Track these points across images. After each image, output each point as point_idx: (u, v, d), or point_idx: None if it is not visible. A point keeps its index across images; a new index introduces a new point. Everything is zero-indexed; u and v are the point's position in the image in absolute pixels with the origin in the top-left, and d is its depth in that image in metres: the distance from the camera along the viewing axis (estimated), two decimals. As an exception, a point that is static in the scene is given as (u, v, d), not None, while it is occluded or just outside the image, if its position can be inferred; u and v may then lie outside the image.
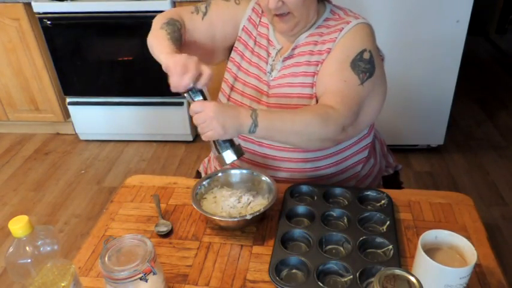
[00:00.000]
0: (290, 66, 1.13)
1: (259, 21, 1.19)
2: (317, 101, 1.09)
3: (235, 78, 1.20)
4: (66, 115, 2.87)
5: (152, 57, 2.41)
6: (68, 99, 2.74)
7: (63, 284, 0.75)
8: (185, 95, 0.94)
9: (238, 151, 0.95)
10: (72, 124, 2.87)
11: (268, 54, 1.17)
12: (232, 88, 1.20)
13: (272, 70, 1.15)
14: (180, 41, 1.09)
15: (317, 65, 1.09)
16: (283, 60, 1.14)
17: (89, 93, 2.70)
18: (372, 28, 1.11)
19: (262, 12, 1.18)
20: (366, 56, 1.05)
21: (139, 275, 0.74)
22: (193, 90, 0.94)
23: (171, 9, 1.21)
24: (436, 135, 2.51)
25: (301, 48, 1.12)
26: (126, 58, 2.54)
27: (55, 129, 3.00)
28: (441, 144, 2.56)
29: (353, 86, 1.03)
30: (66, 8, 2.40)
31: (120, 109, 2.72)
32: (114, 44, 2.53)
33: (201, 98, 0.94)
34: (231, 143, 0.94)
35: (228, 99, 1.21)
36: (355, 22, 1.07)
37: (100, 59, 2.57)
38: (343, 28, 1.07)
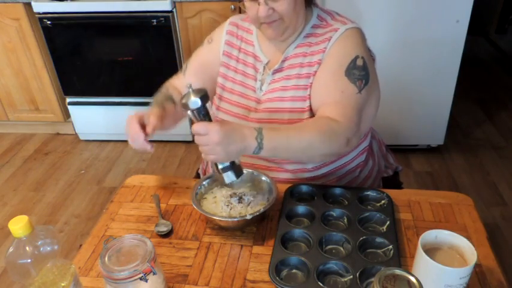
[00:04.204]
0: (280, 80, 1.11)
1: (242, 41, 1.18)
2: (311, 114, 1.07)
3: (220, 99, 1.20)
4: (66, 115, 2.87)
5: (152, 57, 2.46)
6: (68, 99, 2.74)
7: (63, 284, 0.75)
8: (188, 113, 0.90)
9: (239, 171, 0.94)
10: (72, 124, 2.87)
11: (256, 70, 1.15)
12: (218, 108, 1.20)
13: (262, 85, 1.14)
14: (163, 103, 1.13)
15: (308, 77, 1.08)
16: (273, 73, 1.12)
17: (89, 93, 2.70)
18: (361, 31, 1.09)
19: (238, 29, 1.18)
20: (360, 62, 1.03)
21: (139, 275, 0.74)
22: (198, 110, 0.88)
23: (166, 83, 1.27)
24: (436, 135, 2.51)
25: (291, 60, 1.11)
26: (126, 58, 2.54)
27: (55, 129, 3.00)
28: (441, 144, 2.56)
29: (351, 95, 1.02)
30: (66, 8, 2.40)
31: (120, 109, 2.72)
32: (114, 44, 2.53)
33: (205, 118, 0.90)
34: (232, 164, 0.92)
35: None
36: (343, 28, 1.06)
37: (100, 59, 2.57)
38: (331, 37, 1.06)
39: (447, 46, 2.19)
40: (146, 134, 1.03)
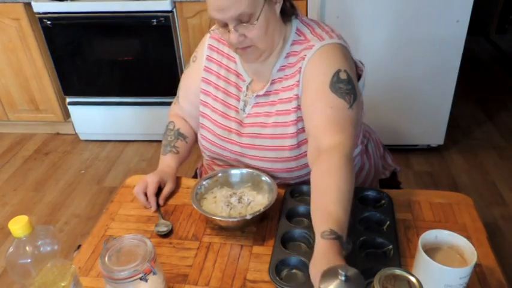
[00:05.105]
0: (264, 105, 1.08)
1: (223, 56, 1.13)
2: (294, 140, 1.04)
3: (203, 116, 1.16)
4: (66, 115, 2.87)
5: (152, 57, 2.45)
6: (68, 99, 2.74)
7: (63, 284, 0.75)
8: None
9: None
10: (72, 124, 2.87)
11: (239, 89, 1.11)
12: (202, 126, 1.17)
13: (245, 106, 1.10)
14: (175, 144, 1.20)
15: (289, 101, 1.03)
16: (256, 97, 1.08)
17: (88, 93, 2.70)
18: (341, 46, 1.01)
19: (219, 43, 1.14)
20: (343, 76, 0.96)
21: (139, 275, 0.74)
22: None
23: (170, 112, 1.31)
24: (436, 135, 2.51)
25: (275, 85, 1.06)
26: (126, 58, 2.54)
27: (55, 129, 3.00)
28: (441, 144, 2.56)
29: (343, 110, 0.94)
30: (66, 8, 2.40)
31: (120, 109, 2.72)
32: (114, 44, 2.53)
33: None
34: None
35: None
36: (318, 45, 0.99)
37: (100, 59, 2.57)
38: (306, 55, 1.00)
39: (447, 46, 2.19)
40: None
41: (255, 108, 1.09)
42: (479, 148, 2.64)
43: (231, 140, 1.12)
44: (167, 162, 1.17)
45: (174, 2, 2.37)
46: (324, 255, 0.75)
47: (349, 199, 0.84)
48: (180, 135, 1.21)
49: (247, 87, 1.10)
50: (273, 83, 1.06)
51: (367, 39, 2.19)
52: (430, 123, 2.45)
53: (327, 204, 0.83)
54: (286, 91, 1.04)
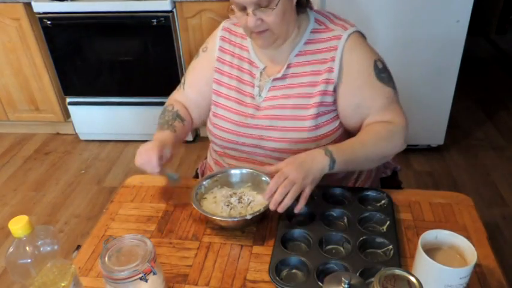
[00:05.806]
0: (282, 88, 1.10)
1: (235, 46, 1.16)
2: (313, 122, 1.07)
3: (216, 105, 1.18)
4: (66, 115, 2.87)
5: (152, 57, 2.45)
6: (68, 99, 2.74)
7: (63, 284, 0.75)
8: None
9: None
10: (72, 124, 2.87)
11: (252, 76, 1.14)
12: (215, 115, 1.18)
13: (261, 91, 1.13)
14: (173, 123, 1.18)
15: (314, 85, 1.07)
16: (273, 81, 1.11)
17: (89, 93, 2.70)
18: (361, 34, 1.11)
19: (231, 35, 1.17)
20: (380, 65, 1.08)
21: (139, 275, 0.74)
22: None
23: (169, 98, 1.29)
24: (436, 135, 2.51)
25: (293, 69, 1.10)
26: (126, 58, 2.54)
27: (55, 129, 3.00)
28: (441, 144, 2.56)
29: (393, 97, 1.08)
30: (66, 8, 2.40)
31: (120, 109, 2.73)
32: (114, 44, 2.53)
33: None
34: None
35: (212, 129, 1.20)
36: (345, 35, 1.06)
37: (100, 59, 2.57)
38: (337, 46, 1.06)
39: (447, 46, 2.19)
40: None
41: (271, 92, 1.12)
42: (479, 148, 2.64)
43: (248, 124, 1.13)
44: (165, 134, 1.15)
45: (174, 2, 2.37)
46: (306, 152, 0.97)
47: (366, 153, 1.02)
48: (178, 116, 1.20)
49: (261, 73, 1.13)
50: (289, 66, 1.10)
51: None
52: (430, 123, 2.45)
53: (343, 142, 1.02)
54: (309, 75, 1.08)
